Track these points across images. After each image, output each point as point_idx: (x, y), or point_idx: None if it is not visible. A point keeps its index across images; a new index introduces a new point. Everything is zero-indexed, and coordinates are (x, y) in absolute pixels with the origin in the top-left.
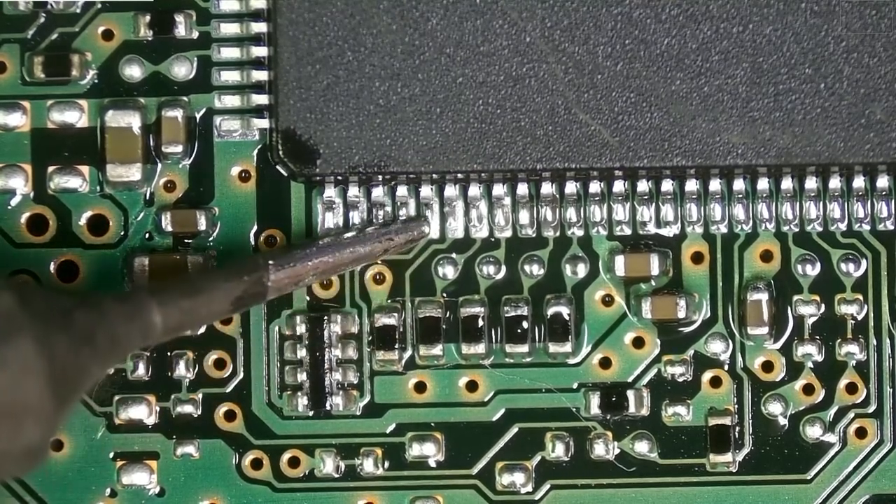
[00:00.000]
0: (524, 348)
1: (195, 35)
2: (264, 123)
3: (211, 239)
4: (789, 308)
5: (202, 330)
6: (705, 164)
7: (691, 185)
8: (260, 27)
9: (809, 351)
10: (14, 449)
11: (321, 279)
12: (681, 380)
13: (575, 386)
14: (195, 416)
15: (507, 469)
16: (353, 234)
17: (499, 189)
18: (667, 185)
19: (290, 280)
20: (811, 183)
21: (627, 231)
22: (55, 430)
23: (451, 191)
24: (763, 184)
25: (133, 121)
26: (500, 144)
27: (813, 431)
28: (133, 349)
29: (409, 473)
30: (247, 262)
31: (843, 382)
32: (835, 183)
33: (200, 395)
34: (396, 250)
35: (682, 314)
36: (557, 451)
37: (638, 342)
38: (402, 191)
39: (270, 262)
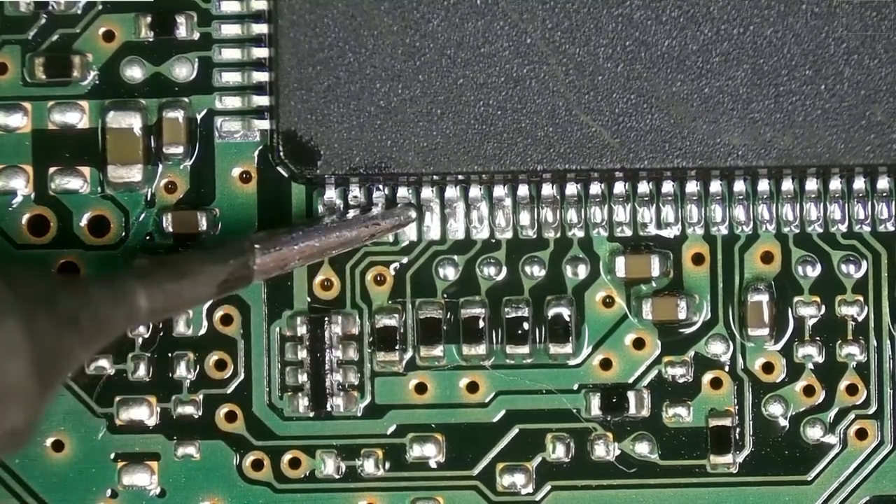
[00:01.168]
0: (525, 349)
1: (196, 36)
2: (265, 125)
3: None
4: (790, 309)
5: (202, 331)
6: (706, 165)
7: (692, 187)
8: (261, 28)
9: (810, 352)
10: None
11: (307, 263)
12: (681, 381)
13: (575, 387)
14: (196, 416)
15: (507, 470)
16: (339, 218)
17: (499, 190)
18: (667, 187)
19: (276, 264)
20: (812, 184)
21: (628, 232)
22: (39, 413)
23: (451, 192)
24: (763, 185)
25: (134, 122)
26: (500, 146)
27: (813, 432)
28: (118, 332)
29: (410, 474)
30: (233, 246)
31: (843, 384)
32: (835, 184)
33: (201, 396)
34: (383, 235)
35: (682, 315)
36: (558, 452)
37: (638, 343)
38: (402, 192)
39: (256, 245)
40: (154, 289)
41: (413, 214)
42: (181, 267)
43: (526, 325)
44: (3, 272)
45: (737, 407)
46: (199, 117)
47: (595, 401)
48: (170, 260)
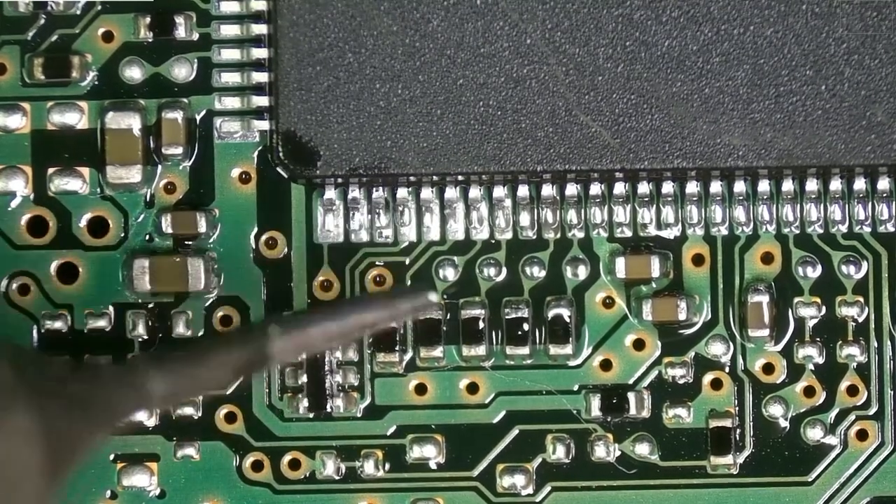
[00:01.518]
0: (525, 350)
1: (195, 36)
2: (264, 125)
3: (211, 241)
4: (790, 310)
5: (202, 332)
6: (706, 165)
7: (692, 187)
8: (260, 29)
9: (810, 353)
10: None
11: (328, 347)
12: (681, 382)
13: (575, 388)
14: (196, 417)
15: (507, 471)
16: (359, 299)
17: (499, 191)
18: (667, 187)
19: (296, 349)
20: (812, 185)
21: (628, 233)
22: (51, 499)
23: (451, 192)
24: (764, 186)
25: (133, 122)
26: (500, 146)
27: (814, 433)
28: (129, 416)
29: (410, 475)
30: (250, 332)
31: (843, 384)
32: (836, 185)
33: (201, 397)
34: (403, 318)
35: (682, 316)
36: (558, 453)
37: (638, 344)
38: (402, 193)
39: (274, 331)
40: (168, 375)
41: (434, 299)
42: (197, 353)
43: (526, 326)
44: (12, 358)
45: (737, 408)
46: (198, 118)
47: (595, 402)
48: (186, 346)
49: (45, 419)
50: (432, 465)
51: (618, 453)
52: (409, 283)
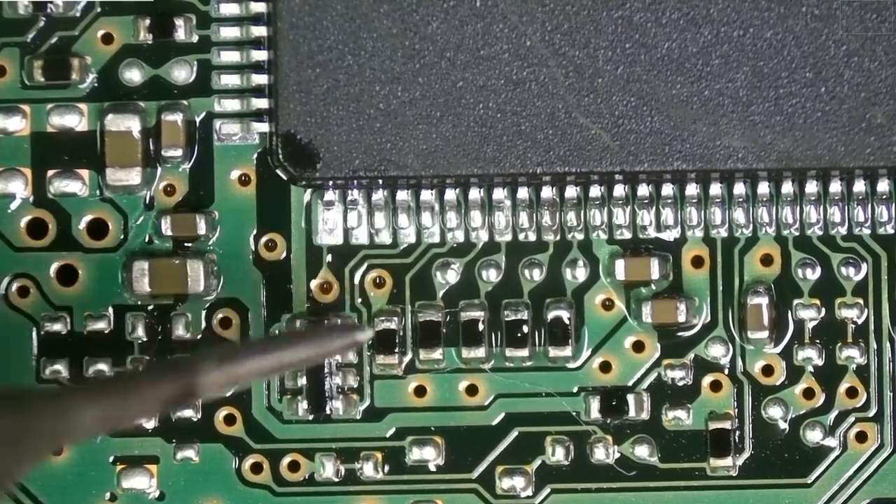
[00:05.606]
0: (524, 352)
1: (195, 39)
2: (264, 127)
3: (211, 243)
4: (789, 312)
5: (201, 334)
6: (706, 167)
7: (692, 189)
8: (260, 31)
9: (810, 355)
10: None
11: (257, 381)
12: (681, 384)
13: (575, 390)
14: (195, 419)
15: (507, 473)
16: (290, 337)
17: (499, 193)
18: (667, 189)
19: (224, 384)
20: (812, 187)
21: (628, 235)
22: None
23: (451, 194)
24: (763, 188)
25: (133, 124)
26: (500, 148)
27: (813, 435)
28: (57, 447)
29: (409, 477)
30: (181, 365)
31: (843, 386)
32: (835, 187)
33: (200, 399)
34: (335, 354)
35: (682, 318)
36: (557, 455)
37: (638, 346)
38: (402, 195)
39: (204, 366)
40: (98, 405)
41: (363, 337)
42: (129, 387)
43: (525, 328)
44: None
45: (736, 410)
46: (197, 120)
47: (595, 403)
48: (119, 378)
49: None
50: (432, 468)
51: (617, 455)
52: (335, 320)
